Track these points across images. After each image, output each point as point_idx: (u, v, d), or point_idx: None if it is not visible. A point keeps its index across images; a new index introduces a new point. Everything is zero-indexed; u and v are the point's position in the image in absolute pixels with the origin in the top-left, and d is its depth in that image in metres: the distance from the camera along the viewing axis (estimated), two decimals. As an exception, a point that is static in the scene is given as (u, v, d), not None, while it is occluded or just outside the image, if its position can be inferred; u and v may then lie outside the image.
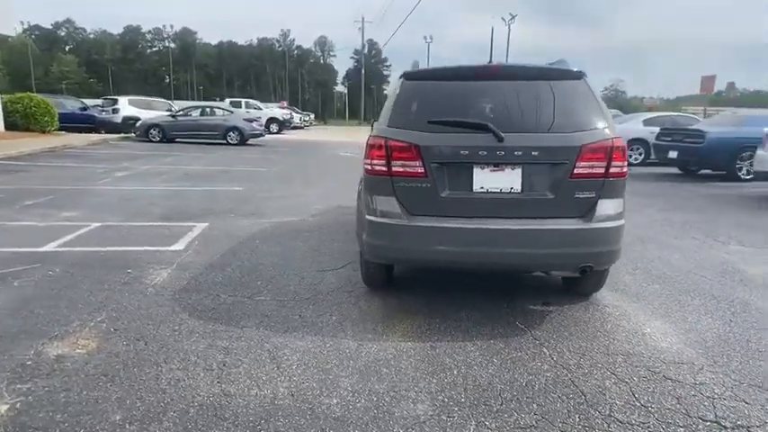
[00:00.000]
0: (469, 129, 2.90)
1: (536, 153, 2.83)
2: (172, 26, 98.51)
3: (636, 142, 12.96)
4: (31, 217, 5.65)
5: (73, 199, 6.85)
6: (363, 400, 2.26)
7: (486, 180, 2.88)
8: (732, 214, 6.83)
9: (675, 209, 7.15)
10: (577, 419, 2.15)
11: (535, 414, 2.19)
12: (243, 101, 30.28)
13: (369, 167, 3.02)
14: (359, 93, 69.20)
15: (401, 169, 2.91)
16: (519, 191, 2.88)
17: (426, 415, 2.16)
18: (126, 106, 20.25)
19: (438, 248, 2.93)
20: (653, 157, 12.43)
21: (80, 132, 18.57)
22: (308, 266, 4.15)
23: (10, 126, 16.19)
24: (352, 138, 26.58)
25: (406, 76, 3.23)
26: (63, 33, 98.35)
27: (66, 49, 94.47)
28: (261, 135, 19.19)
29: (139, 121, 17.96)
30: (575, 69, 3.16)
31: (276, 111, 30.79)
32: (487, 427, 2.09)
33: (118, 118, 19.85)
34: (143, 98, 22.36)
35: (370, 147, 3.03)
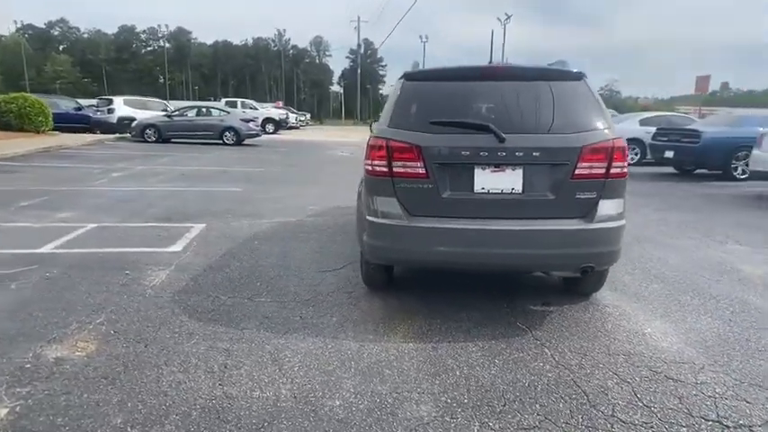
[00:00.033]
0: (471, 129, 2.90)
1: (537, 154, 2.83)
2: (167, 26, 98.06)
3: (632, 142, 13.00)
4: (27, 218, 5.61)
5: (69, 200, 6.81)
6: (366, 402, 2.25)
7: (488, 181, 2.88)
8: (728, 214, 6.87)
9: (671, 208, 7.19)
10: (580, 420, 2.16)
11: (538, 415, 2.19)
12: (239, 101, 30.21)
13: (370, 168, 3.01)
14: (355, 92, 69.17)
15: (402, 170, 2.90)
16: (520, 191, 2.88)
17: (430, 416, 2.16)
18: (121, 106, 20.14)
19: (439, 249, 2.93)
20: (648, 156, 12.48)
21: (75, 133, 18.42)
22: (308, 267, 4.14)
23: (4, 126, 16.05)
24: (348, 138, 26.56)
25: (407, 77, 3.22)
26: (57, 33, 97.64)
27: (60, 48, 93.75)
28: (257, 135, 19.12)
29: (135, 122, 17.86)
30: (574, 70, 3.17)
31: (272, 111, 30.71)
32: (491, 428, 2.09)
33: (113, 118, 19.73)
34: (138, 98, 22.24)
35: (370, 147, 3.02)
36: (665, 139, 11.20)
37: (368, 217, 3.04)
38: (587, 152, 2.84)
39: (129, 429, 2.02)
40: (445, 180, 2.90)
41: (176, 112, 18.43)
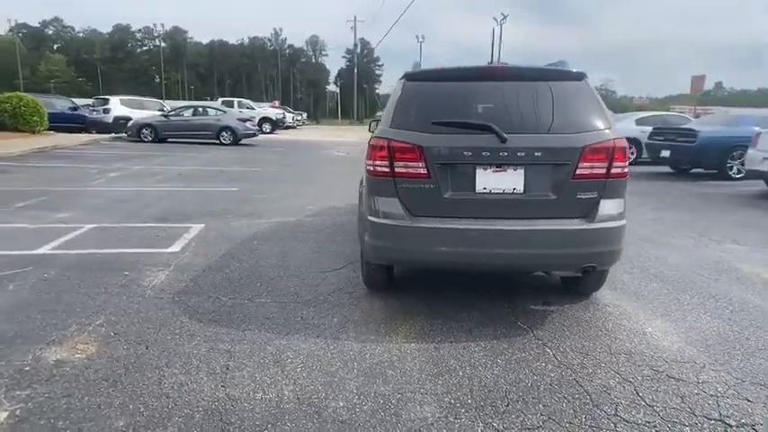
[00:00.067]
0: (473, 130, 2.89)
1: (539, 154, 2.83)
2: (162, 25, 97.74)
3: (628, 141, 13.04)
4: (24, 219, 5.57)
5: (66, 200, 6.76)
6: (370, 403, 2.25)
7: (489, 181, 2.88)
8: (725, 213, 6.91)
9: (668, 207, 7.22)
10: (584, 419, 2.16)
11: (542, 415, 2.19)
12: (235, 100, 30.08)
13: (371, 168, 3.00)
14: (351, 92, 69.11)
15: (404, 170, 2.90)
16: (521, 191, 2.88)
17: (434, 417, 2.16)
18: (117, 106, 20.05)
19: (441, 249, 2.92)
20: (645, 155, 12.53)
21: (70, 132, 18.33)
22: (308, 268, 4.13)
23: (-2, 126, 15.96)
24: (344, 137, 26.57)
25: (408, 77, 3.22)
26: (51, 32, 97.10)
27: (55, 47, 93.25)
28: (254, 135, 19.08)
29: (131, 121, 17.78)
30: (575, 70, 3.17)
31: (269, 110, 30.61)
32: (495, 429, 2.09)
33: (109, 118, 19.64)
34: (135, 98, 22.13)
35: (372, 148, 3.01)
36: (662, 138, 11.25)
37: (369, 217, 3.03)
38: (589, 152, 2.84)
39: (131, 432, 2.01)
40: (447, 180, 2.89)
41: (173, 112, 18.35)
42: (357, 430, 2.06)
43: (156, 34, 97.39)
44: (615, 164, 2.89)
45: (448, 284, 3.73)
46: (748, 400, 2.30)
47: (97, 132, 19.11)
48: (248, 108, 28.20)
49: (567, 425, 2.12)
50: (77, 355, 2.59)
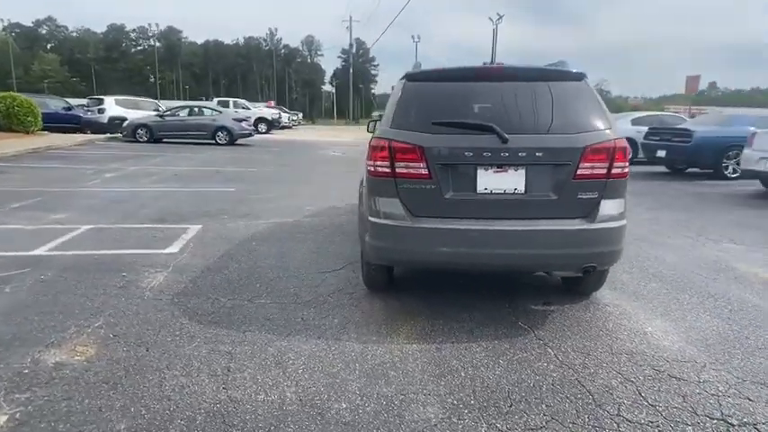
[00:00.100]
0: (474, 130, 2.89)
1: (540, 154, 2.83)
2: (157, 25, 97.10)
3: None
4: (19, 220, 5.52)
5: (62, 201, 6.71)
6: (373, 404, 2.24)
7: (490, 181, 2.88)
8: (721, 212, 6.95)
9: (664, 207, 7.25)
10: (587, 419, 2.16)
11: (545, 415, 2.19)
12: (231, 100, 29.99)
13: (372, 169, 3.00)
14: (347, 92, 69.01)
15: (405, 171, 2.89)
16: (523, 192, 2.88)
17: (437, 418, 2.15)
18: (112, 106, 19.92)
19: (442, 250, 2.92)
20: (640, 155, 12.59)
21: (64, 133, 18.18)
22: (307, 268, 4.11)
23: (-8, 126, 15.82)
24: (340, 137, 26.53)
25: (408, 78, 3.21)
26: (44, 31, 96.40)
27: (48, 47, 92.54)
28: (250, 135, 19.01)
29: (126, 122, 17.67)
30: (575, 71, 3.18)
31: (265, 110, 30.55)
32: (498, 429, 2.09)
33: (104, 118, 19.50)
34: (130, 98, 21.99)
35: (372, 148, 3.00)
36: (657, 138, 11.31)
37: (370, 218, 3.02)
38: (590, 152, 2.85)
39: (133, 435, 1.99)
40: (448, 181, 2.89)
41: (168, 112, 18.27)
42: (361, 432, 2.06)
43: (150, 34, 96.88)
44: (616, 164, 2.90)
45: (448, 285, 3.73)
46: (749, 400, 2.31)
47: (92, 133, 18.98)
48: (244, 108, 28.12)
49: (571, 425, 2.12)
50: (77, 358, 2.57)
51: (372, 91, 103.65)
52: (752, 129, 8.70)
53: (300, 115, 50.13)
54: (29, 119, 16.49)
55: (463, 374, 2.51)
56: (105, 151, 14.13)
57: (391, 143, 2.92)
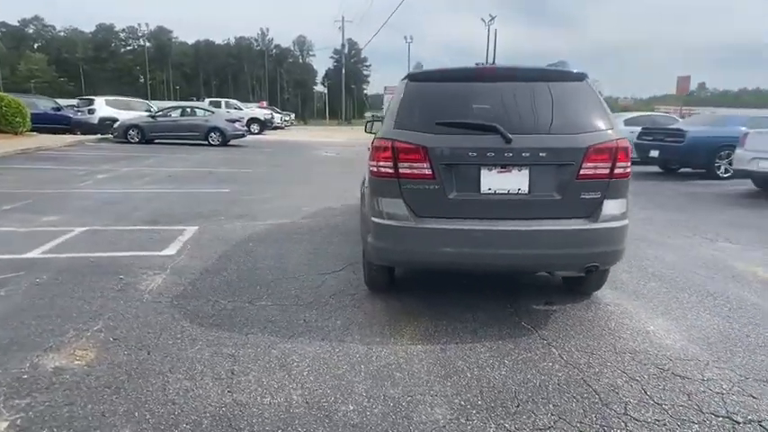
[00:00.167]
0: (477, 130, 2.89)
1: (543, 154, 2.84)
2: (147, 24, 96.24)
3: None
4: (12, 222, 5.43)
5: (54, 203, 6.62)
6: (380, 406, 2.23)
7: (494, 181, 2.87)
8: (715, 212, 7.02)
9: (658, 207, 7.31)
10: (594, 418, 2.16)
11: (552, 415, 2.19)
12: (223, 101, 29.83)
13: (375, 169, 2.98)
14: (339, 93, 68.87)
15: (408, 171, 2.88)
16: (526, 192, 2.88)
17: (445, 419, 2.14)
18: (103, 106, 19.69)
19: (446, 250, 2.91)
20: (634, 155, 12.69)
21: (54, 134, 17.93)
22: (307, 269, 4.09)
23: (-21, 127, 15.57)
24: (332, 138, 26.49)
25: (411, 78, 3.20)
26: (31, 31, 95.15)
27: (35, 46, 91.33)
28: (242, 136, 18.91)
29: (117, 122, 17.50)
30: (576, 71, 3.18)
31: (257, 111, 30.40)
32: (507, 430, 2.08)
33: (94, 119, 19.27)
34: (120, 98, 21.77)
35: (375, 149, 2.99)
36: (650, 138, 11.40)
37: (373, 218, 3.01)
38: (593, 152, 2.86)
39: (138, 440, 1.96)
40: (451, 181, 2.88)
41: (160, 113, 18.10)
42: (369, 434, 2.04)
43: (140, 34, 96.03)
44: (618, 164, 2.91)
45: (450, 285, 3.72)
46: (753, 397, 2.33)
47: (82, 133, 18.73)
48: (236, 108, 27.98)
49: (578, 424, 2.12)
50: (77, 362, 2.53)
51: (365, 91, 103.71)
52: (744, 129, 8.80)
53: (293, 116, 49.96)
54: (17, 119, 16.25)
55: (469, 375, 2.50)
56: (96, 152, 13.96)
57: (394, 143, 2.90)
